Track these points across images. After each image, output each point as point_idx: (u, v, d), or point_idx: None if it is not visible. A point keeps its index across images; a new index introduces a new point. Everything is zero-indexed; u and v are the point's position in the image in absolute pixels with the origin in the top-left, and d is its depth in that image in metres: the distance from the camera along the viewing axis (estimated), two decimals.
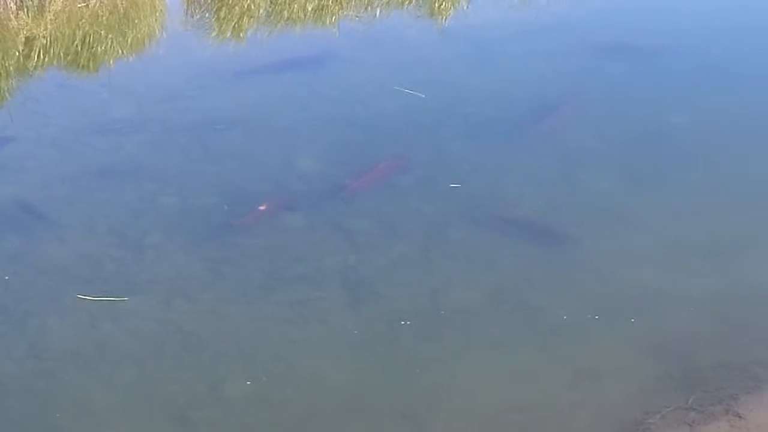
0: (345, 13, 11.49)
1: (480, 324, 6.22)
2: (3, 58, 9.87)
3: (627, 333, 6.14)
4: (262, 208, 7.30)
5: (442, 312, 6.31)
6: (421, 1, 11.61)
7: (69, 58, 10.32)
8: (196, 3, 11.92)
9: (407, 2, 11.46)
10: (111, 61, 10.25)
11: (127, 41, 10.75)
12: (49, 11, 11.40)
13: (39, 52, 10.11)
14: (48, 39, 10.52)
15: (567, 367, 5.90)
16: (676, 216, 7.26)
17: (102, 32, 10.80)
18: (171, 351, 6.03)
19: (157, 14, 11.78)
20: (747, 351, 6.02)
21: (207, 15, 11.43)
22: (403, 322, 6.16)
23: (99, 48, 10.43)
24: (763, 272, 6.64)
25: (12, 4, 10.69)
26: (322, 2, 11.66)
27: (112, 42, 10.56)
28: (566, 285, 6.57)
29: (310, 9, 11.43)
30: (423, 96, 8.81)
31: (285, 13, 11.49)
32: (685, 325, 6.20)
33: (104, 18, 11.34)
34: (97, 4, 11.70)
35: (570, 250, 6.94)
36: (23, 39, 10.27)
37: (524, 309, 6.37)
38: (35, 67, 10.00)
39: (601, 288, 6.53)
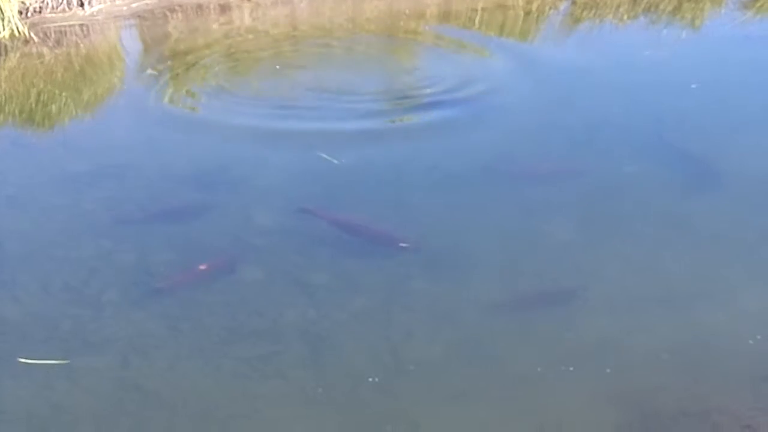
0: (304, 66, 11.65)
1: (445, 377, 6.20)
2: None
3: (586, 383, 6.14)
4: (202, 267, 7.22)
5: (411, 367, 6.28)
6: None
7: (24, 115, 10.28)
8: (153, 60, 11.97)
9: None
10: (67, 119, 10.22)
11: (83, 98, 10.74)
12: (3, 68, 11.38)
13: None
14: (2, 97, 10.48)
15: (530, 419, 5.89)
16: (634, 266, 7.31)
17: (57, 90, 10.79)
18: (129, 410, 5.92)
19: (115, 71, 11.81)
20: (706, 399, 6.04)
21: (164, 72, 11.45)
22: (370, 379, 6.13)
23: (54, 105, 10.41)
24: (721, 321, 6.70)
25: None
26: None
27: (67, 99, 10.55)
28: (527, 336, 6.59)
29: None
30: (337, 162, 8.80)
31: (239, 68, 11.59)
32: (645, 374, 6.22)
33: (60, 75, 11.36)
34: (53, 62, 11.73)
35: (530, 302, 6.97)
36: None
37: (486, 362, 6.37)
38: None
39: (561, 339, 6.54)
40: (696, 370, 6.27)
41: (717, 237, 7.66)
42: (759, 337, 6.48)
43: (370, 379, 6.12)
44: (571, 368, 6.23)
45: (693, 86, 10.76)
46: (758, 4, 14.53)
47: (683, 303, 6.86)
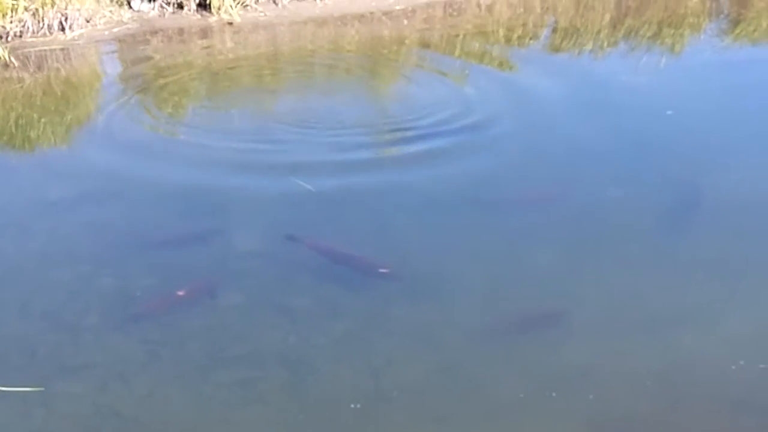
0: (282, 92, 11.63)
1: (427, 403, 6.15)
2: None
3: (568, 408, 6.11)
4: (180, 293, 7.15)
5: (395, 393, 6.22)
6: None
7: (3, 139, 10.22)
8: (133, 82, 11.94)
9: None
10: (46, 142, 10.16)
11: (63, 123, 10.69)
12: None
13: None
14: None
15: None
16: (617, 292, 7.29)
17: (37, 113, 10.74)
18: None
19: (95, 96, 11.78)
20: (690, 425, 6.03)
21: (145, 95, 11.42)
22: (352, 405, 6.07)
23: (34, 129, 10.35)
24: (704, 347, 6.69)
25: None
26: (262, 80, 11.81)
27: (47, 123, 10.49)
28: (509, 362, 6.56)
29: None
30: (312, 189, 8.75)
31: (220, 92, 11.59)
32: (628, 400, 6.19)
33: (40, 99, 11.31)
34: (33, 86, 11.68)
35: (513, 327, 6.93)
36: None
37: (468, 387, 6.33)
38: None
39: (543, 364, 6.51)
40: (679, 395, 6.24)
41: (699, 262, 7.66)
42: (742, 362, 6.47)
43: (352, 405, 6.07)
44: (554, 394, 6.19)
45: (669, 113, 10.80)
46: (737, 31, 14.66)
47: (667, 329, 6.84)
